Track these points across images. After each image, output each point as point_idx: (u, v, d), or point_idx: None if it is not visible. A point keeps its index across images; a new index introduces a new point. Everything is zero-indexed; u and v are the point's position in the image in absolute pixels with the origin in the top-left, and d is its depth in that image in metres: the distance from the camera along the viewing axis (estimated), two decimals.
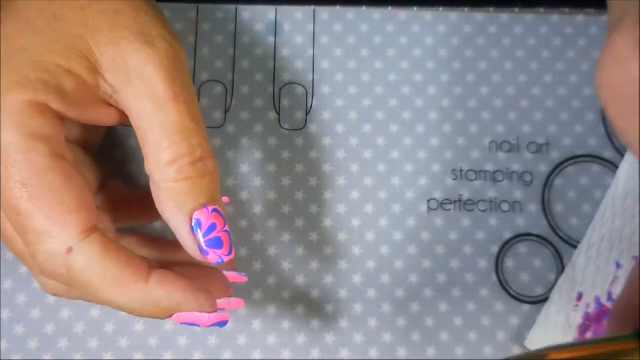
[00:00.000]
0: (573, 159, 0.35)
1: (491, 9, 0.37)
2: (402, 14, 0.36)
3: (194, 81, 0.35)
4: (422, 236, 0.33)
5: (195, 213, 0.24)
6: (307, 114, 0.35)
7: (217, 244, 0.25)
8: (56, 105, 0.23)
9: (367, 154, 0.34)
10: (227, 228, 0.25)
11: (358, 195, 0.34)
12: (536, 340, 0.32)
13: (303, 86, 0.35)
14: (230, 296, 0.27)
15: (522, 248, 0.34)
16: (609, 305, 0.32)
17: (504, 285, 0.33)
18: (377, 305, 0.33)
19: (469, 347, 0.32)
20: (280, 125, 0.35)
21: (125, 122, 0.26)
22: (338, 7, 0.36)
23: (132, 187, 0.33)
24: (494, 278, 0.33)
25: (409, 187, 0.34)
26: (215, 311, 0.25)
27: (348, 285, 0.33)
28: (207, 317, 0.25)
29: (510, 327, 0.33)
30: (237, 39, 0.35)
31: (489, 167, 0.34)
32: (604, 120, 0.35)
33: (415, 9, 0.36)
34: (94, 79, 0.24)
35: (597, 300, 0.32)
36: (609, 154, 0.35)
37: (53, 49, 0.24)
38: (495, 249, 0.33)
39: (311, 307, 0.32)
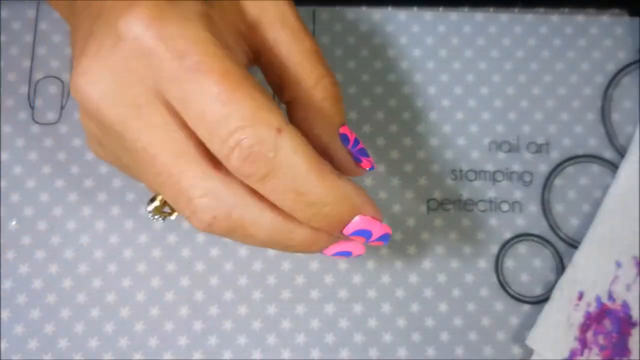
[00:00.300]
0: (573, 159, 0.35)
1: (491, 9, 0.37)
2: (402, 14, 0.36)
3: None
4: (422, 236, 0.33)
5: (341, 128, 0.26)
6: None
7: (365, 152, 0.27)
8: (220, 26, 0.24)
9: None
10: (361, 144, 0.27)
11: None
12: (537, 339, 0.32)
13: None
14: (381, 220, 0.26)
15: (522, 248, 0.34)
16: (609, 304, 0.32)
17: (503, 285, 0.33)
18: (377, 306, 0.33)
19: (469, 347, 0.32)
20: None
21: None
22: (338, 7, 0.36)
23: (131, 187, 0.33)
24: (494, 278, 0.33)
25: (409, 187, 0.34)
26: (381, 221, 0.25)
27: (348, 286, 0.33)
28: (364, 243, 0.25)
29: (510, 327, 0.33)
30: None
31: (489, 167, 0.34)
32: (604, 120, 0.35)
33: (415, 9, 0.36)
34: (248, 27, 0.26)
35: (598, 299, 0.32)
36: (609, 154, 0.35)
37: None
38: (495, 249, 0.33)
39: (311, 307, 0.32)
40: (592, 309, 0.32)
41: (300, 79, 0.26)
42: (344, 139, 0.26)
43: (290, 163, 0.22)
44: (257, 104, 0.22)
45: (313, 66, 0.26)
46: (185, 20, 0.22)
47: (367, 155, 0.27)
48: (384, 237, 0.25)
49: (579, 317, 0.32)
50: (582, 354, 0.32)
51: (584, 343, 0.32)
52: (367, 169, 0.27)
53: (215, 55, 0.22)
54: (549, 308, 0.32)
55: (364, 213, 0.24)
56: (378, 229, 0.25)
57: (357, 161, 0.26)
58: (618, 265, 0.33)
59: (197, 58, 0.22)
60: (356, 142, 0.27)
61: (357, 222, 0.24)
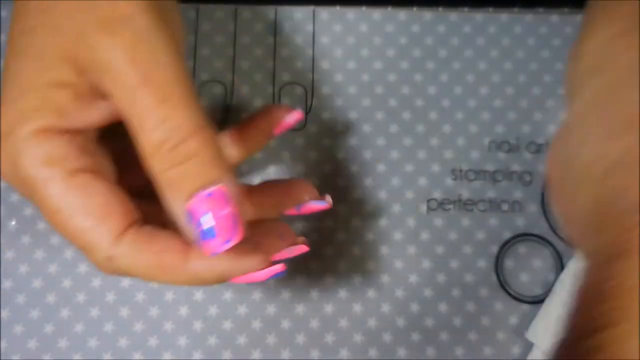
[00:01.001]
0: None
1: (491, 9, 0.37)
2: (402, 14, 0.36)
3: (194, 82, 0.35)
4: (421, 236, 0.33)
5: (190, 202, 0.22)
6: (307, 114, 0.35)
7: (209, 234, 0.23)
8: (59, 123, 0.23)
9: (367, 154, 0.34)
10: (228, 209, 0.23)
11: (358, 195, 0.34)
12: (537, 333, 0.32)
13: (303, 86, 0.35)
14: (293, 244, 0.27)
15: (521, 248, 0.34)
16: None
17: (503, 285, 0.33)
18: (377, 305, 0.33)
19: (469, 347, 0.32)
20: None
21: None
22: (338, 7, 0.36)
23: None
24: (494, 278, 0.33)
25: (409, 187, 0.34)
26: (267, 266, 0.25)
27: (347, 286, 0.33)
28: (260, 274, 0.25)
29: (509, 326, 0.33)
30: (237, 39, 0.35)
31: (489, 167, 0.34)
32: None
33: (415, 9, 0.36)
34: (84, 81, 0.23)
35: None
36: None
37: (41, 66, 0.23)
38: (494, 249, 0.33)
39: (311, 307, 0.32)
40: None
41: (140, 149, 0.23)
42: (189, 216, 0.23)
43: (133, 274, 0.24)
44: (82, 242, 0.24)
45: (146, 134, 0.22)
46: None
47: (210, 236, 0.23)
48: (275, 276, 0.25)
49: None
50: None
51: None
52: (209, 255, 0.23)
53: None
54: (549, 302, 0.32)
55: (230, 277, 0.25)
56: (260, 276, 0.25)
57: (200, 245, 0.23)
58: None
59: None
60: (205, 217, 0.22)
61: (230, 280, 0.25)
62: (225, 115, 0.34)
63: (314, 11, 0.36)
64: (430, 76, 0.36)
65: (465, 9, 0.37)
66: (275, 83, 0.35)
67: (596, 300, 0.19)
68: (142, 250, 0.24)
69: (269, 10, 0.36)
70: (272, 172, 0.34)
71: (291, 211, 0.28)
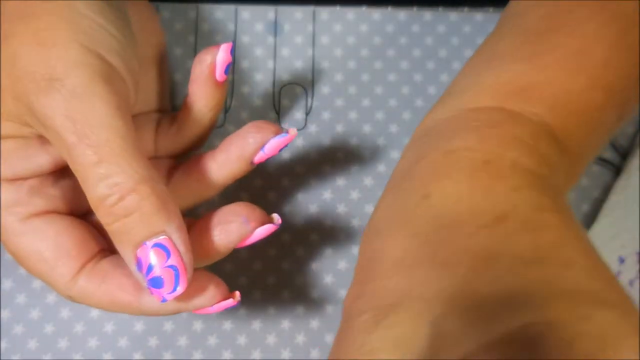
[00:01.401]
0: None
1: (491, 9, 0.37)
2: (402, 14, 0.36)
3: None
4: None
5: (137, 251, 0.23)
6: (307, 114, 0.35)
7: (156, 283, 0.24)
8: (4, 173, 0.25)
9: (367, 153, 0.34)
10: (173, 262, 0.23)
11: (358, 195, 0.34)
12: None
13: (303, 86, 0.35)
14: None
15: None
16: None
17: None
18: None
19: None
20: (280, 125, 0.35)
21: None
22: (338, 7, 0.36)
23: None
24: None
25: None
26: (218, 301, 0.26)
27: (347, 285, 0.33)
28: (212, 309, 0.26)
29: None
30: (237, 39, 0.35)
31: None
32: None
33: (415, 9, 0.36)
34: (29, 132, 0.24)
35: None
36: (608, 154, 0.35)
37: None
38: None
39: (311, 307, 0.32)
40: None
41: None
42: (138, 264, 0.23)
43: (92, 305, 0.26)
44: (44, 280, 0.26)
45: (87, 192, 0.23)
46: None
47: (159, 286, 0.23)
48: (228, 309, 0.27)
49: None
50: None
51: None
52: (159, 302, 0.24)
53: None
54: None
55: (181, 311, 0.26)
56: (211, 311, 0.26)
57: (149, 292, 0.24)
58: (621, 261, 0.32)
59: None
60: (150, 267, 0.23)
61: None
62: (225, 115, 0.35)
63: (314, 11, 0.36)
64: (430, 76, 0.36)
65: (465, 9, 0.37)
66: (275, 83, 0.35)
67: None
68: (96, 290, 0.25)
69: (269, 10, 0.36)
70: (272, 172, 0.34)
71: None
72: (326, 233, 0.33)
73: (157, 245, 0.23)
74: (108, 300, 0.25)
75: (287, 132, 0.27)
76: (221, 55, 0.27)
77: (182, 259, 0.24)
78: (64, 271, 0.25)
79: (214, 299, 0.25)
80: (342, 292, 0.33)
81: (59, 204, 0.26)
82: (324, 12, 0.36)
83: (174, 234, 0.24)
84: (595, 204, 0.34)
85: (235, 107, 0.35)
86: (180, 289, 0.24)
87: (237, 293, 0.26)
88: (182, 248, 0.24)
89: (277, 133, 0.27)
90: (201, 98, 0.28)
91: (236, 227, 0.26)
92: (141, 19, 0.30)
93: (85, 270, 0.26)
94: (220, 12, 0.36)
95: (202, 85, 0.28)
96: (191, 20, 0.35)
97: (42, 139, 0.25)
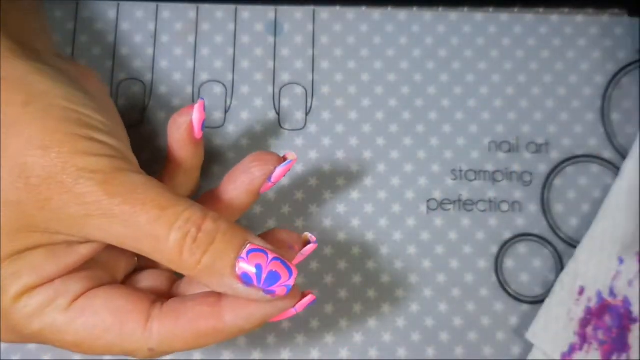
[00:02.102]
0: (572, 159, 0.35)
1: (491, 9, 0.37)
2: (402, 14, 0.36)
3: (193, 82, 0.35)
4: (421, 236, 0.33)
5: (236, 269, 0.24)
6: (307, 114, 0.35)
7: (272, 278, 0.24)
8: (38, 279, 0.24)
9: (367, 154, 0.34)
10: (271, 256, 0.24)
11: (358, 195, 0.34)
12: (537, 333, 0.32)
13: (303, 86, 0.35)
14: (303, 246, 0.28)
15: (521, 248, 0.34)
16: (610, 299, 0.32)
17: (503, 285, 0.33)
18: (377, 305, 0.33)
19: (469, 347, 0.32)
20: (280, 125, 0.35)
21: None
22: (338, 7, 0.36)
23: None
24: (494, 278, 0.33)
25: (409, 187, 0.34)
26: (298, 301, 0.26)
27: (347, 285, 0.33)
28: (294, 310, 0.26)
29: (509, 327, 0.33)
30: (237, 39, 0.35)
31: (489, 167, 0.34)
32: (604, 120, 0.35)
33: (415, 9, 0.36)
34: (52, 239, 0.24)
35: (599, 294, 0.32)
36: (608, 154, 0.35)
37: (6, 240, 0.24)
38: (494, 249, 0.33)
39: (311, 307, 0.32)
40: (593, 304, 0.32)
41: (164, 262, 0.24)
42: (246, 278, 0.24)
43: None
44: None
45: (164, 244, 0.24)
46: None
47: (276, 279, 0.24)
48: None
49: (579, 311, 0.32)
50: (581, 349, 0.32)
51: (583, 338, 0.32)
52: (284, 294, 0.24)
53: None
54: (549, 302, 0.32)
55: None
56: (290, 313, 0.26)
57: (271, 294, 0.24)
58: (620, 261, 0.33)
59: None
60: (259, 270, 0.24)
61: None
62: (225, 115, 0.35)
63: (314, 11, 0.36)
64: (430, 76, 0.36)
65: (465, 9, 0.37)
66: (275, 83, 0.35)
67: None
68: (175, 329, 0.25)
69: (269, 10, 0.36)
70: None
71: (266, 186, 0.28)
72: (326, 233, 0.33)
73: (250, 251, 0.24)
74: (192, 334, 0.25)
75: (286, 158, 0.28)
76: (196, 115, 0.27)
77: (276, 252, 0.24)
78: (133, 326, 0.25)
79: (296, 297, 0.26)
80: (342, 292, 0.33)
81: (94, 279, 0.26)
82: (324, 12, 0.36)
83: (255, 240, 0.25)
84: (595, 204, 0.34)
85: (235, 107, 0.35)
86: (294, 272, 0.24)
87: (309, 291, 0.27)
88: (268, 246, 0.25)
89: (280, 162, 0.28)
90: (185, 160, 0.28)
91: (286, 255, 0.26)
92: None
93: (154, 317, 0.25)
94: (220, 12, 0.36)
95: (183, 149, 0.28)
96: (191, 20, 0.35)
97: (70, 244, 0.25)
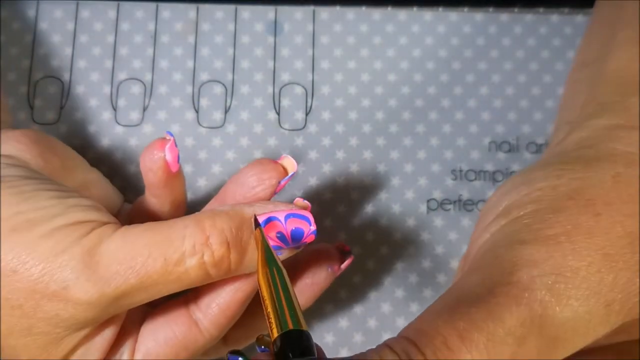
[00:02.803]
0: None
1: (491, 9, 0.37)
2: (402, 14, 0.36)
3: (193, 82, 0.35)
4: (421, 236, 0.33)
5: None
6: (307, 114, 0.35)
7: (298, 234, 0.24)
8: None
9: (367, 154, 0.34)
10: (282, 216, 0.24)
11: (357, 195, 0.34)
12: None
13: (303, 86, 0.35)
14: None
15: None
16: None
17: None
18: (377, 305, 0.33)
19: None
20: (280, 125, 0.35)
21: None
22: (338, 7, 0.36)
23: (130, 188, 0.33)
24: None
25: (409, 187, 0.34)
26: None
27: (347, 285, 0.33)
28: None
29: None
30: (237, 39, 0.35)
31: (489, 167, 0.34)
32: None
33: (415, 9, 0.36)
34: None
35: None
36: None
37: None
38: None
39: (311, 307, 0.32)
40: None
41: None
42: (276, 248, 0.24)
43: None
44: None
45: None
46: None
47: (300, 235, 0.25)
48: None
49: None
50: None
51: None
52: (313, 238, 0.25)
53: None
54: None
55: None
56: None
57: (301, 245, 0.25)
58: None
59: None
60: (282, 239, 0.24)
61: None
62: (225, 115, 0.35)
63: (314, 11, 0.36)
64: (430, 76, 0.36)
65: (465, 9, 0.37)
66: (275, 83, 0.35)
67: (437, 329, 0.21)
68: (221, 313, 0.26)
69: (269, 10, 0.36)
70: None
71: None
72: (327, 233, 0.33)
73: (263, 224, 0.24)
74: (238, 305, 0.26)
75: (286, 169, 0.27)
76: (169, 156, 0.26)
77: (282, 208, 0.25)
78: (193, 343, 0.26)
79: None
80: (342, 292, 0.33)
81: (134, 320, 0.27)
82: (324, 12, 0.36)
83: (255, 208, 0.24)
84: None
85: (235, 107, 0.35)
86: (310, 218, 0.25)
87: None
88: (270, 207, 0.25)
89: (282, 174, 0.26)
90: (167, 196, 0.28)
91: (325, 275, 0.28)
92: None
93: (199, 318, 0.26)
94: (220, 12, 0.36)
95: (163, 189, 0.27)
96: (191, 20, 0.35)
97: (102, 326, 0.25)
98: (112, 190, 0.30)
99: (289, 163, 0.26)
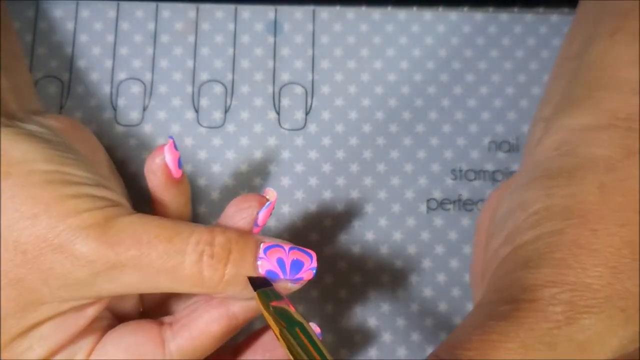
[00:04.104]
0: None
1: (491, 9, 0.37)
2: (402, 13, 0.36)
3: (193, 82, 0.35)
4: (421, 236, 0.34)
5: (260, 270, 0.24)
6: (307, 114, 0.35)
7: (298, 265, 0.25)
8: (48, 351, 0.24)
9: (367, 153, 0.34)
10: (287, 247, 0.25)
11: (357, 195, 0.34)
12: None
13: (303, 86, 0.35)
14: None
15: None
16: None
17: None
18: (377, 305, 0.33)
19: None
20: (280, 125, 0.35)
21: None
22: (338, 7, 0.36)
23: (130, 188, 0.33)
24: None
25: (409, 187, 0.34)
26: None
27: (347, 285, 0.33)
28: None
29: None
30: (237, 39, 0.35)
31: (489, 167, 0.34)
32: None
33: (414, 8, 0.36)
34: (60, 308, 0.24)
35: None
36: None
37: (13, 317, 0.24)
38: None
39: (311, 307, 0.32)
40: None
41: (187, 289, 0.25)
42: (272, 275, 0.25)
43: None
44: None
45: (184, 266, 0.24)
46: None
47: (300, 267, 0.25)
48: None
49: None
50: None
51: None
52: (312, 277, 0.25)
53: None
54: None
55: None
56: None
57: (299, 281, 0.25)
58: None
59: None
60: (281, 265, 0.25)
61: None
62: (225, 115, 0.35)
63: (314, 11, 0.36)
64: (430, 76, 0.36)
65: (465, 9, 0.37)
66: (275, 83, 0.35)
67: (469, 344, 0.22)
68: (192, 341, 0.26)
69: (269, 10, 0.36)
70: (272, 172, 0.34)
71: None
72: (326, 233, 0.33)
73: (266, 249, 0.25)
74: (209, 340, 0.25)
75: (267, 199, 0.27)
76: (168, 157, 0.27)
77: (290, 243, 0.25)
78: (152, 356, 0.25)
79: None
80: (342, 292, 0.33)
81: (101, 327, 0.26)
82: (324, 12, 0.36)
83: (266, 238, 0.25)
84: None
85: (235, 107, 0.35)
86: (314, 255, 0.25)
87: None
88: (280, 240, 0.25)
89: (262, 204, 0.27)
90: (171, 201, 0.28)
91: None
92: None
93: (168, 339, 0.25)
94: (220, 12, 0.36)
95: (166, 192, 0.28)
96: (191, 20, 0.35)
97: (77, 310, 0.25)
98: (127, 195, 0.31)
99: (271, 194, 0.27)
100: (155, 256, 0.23)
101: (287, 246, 0.25)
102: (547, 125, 0.28)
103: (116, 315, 0.27)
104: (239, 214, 0.26)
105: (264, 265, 0.24)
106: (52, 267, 0.23)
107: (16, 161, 0.23)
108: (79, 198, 0.23)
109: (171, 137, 0.27)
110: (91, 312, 0.25)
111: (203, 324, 0.25)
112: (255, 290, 0.24)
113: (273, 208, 0.27)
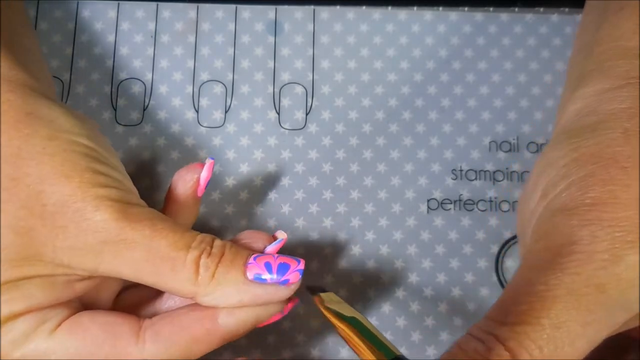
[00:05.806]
0: None
1: (491, 9, 0.37)
2: (402, 13, 0.36)
3: (193, 82, 0.35)
4: (421, 236, 0.33)
5: (248, 274, 0.26)
6: (307, 114, 0.35)
7: (284, 267, 0.26)
8: (24, 308, 0.24)
9: (367, 153, 0.34)
10: (276, 255, 0.27)
11: (358, 195, 0.34)
12: None
13: (303, 86, 0.35)
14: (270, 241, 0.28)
15: None
16: None
17: (504, 285, 0.33)
18: (377, 305, 0.33)
19: None
20: (280, 125, 0.35)
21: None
22: (338, 7, 0.36)
23: None
24: (494, 278, 0.33)
25: (409, 187, 0.34)
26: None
27: (347, 285, 0.33)
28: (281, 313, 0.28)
29: None
30: (237, 39, 0.35)
31: (489, 166, 0.34)
32: None
33: (415, 8, 0.36)
34: (54, 271, 0.24)
35: None
36: None
37: (9, 263, 0.24)
38: (495, 249, 0.33)
39: (311, 307, 0.32)
40: None
41: (177, 288, 0.25)
42: (258, 279, 0.26)
43: None
44: None
45: (178, 269, 0.25)
46: None
47: (286, 269, 0.26)
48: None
49: None
50: None
51: None
52: (298, 279, 0.26)
53: None
54: None
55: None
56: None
57: (285, 284, 0.26)
58: None
59: None
60: (268, 269, 0.26)
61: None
62: (225, 115, 0.35)
63: (314, 11, 0.36)
64: (430, 76, 0.36)
65: (465, 9, 0.37)
66: (275, 83, 0.35)
67: (518, 299, 0.22)
68: (170, 337, 0.26)
69: (269, 10, 0.36)
70: (272, 172, 0.34)
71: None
72: (326, 233, 0.33)
73: (256, 257, 0.26)
74: (186, 340, 0.25)
75: (276, 237, 0.28)
76: (205, 173, 0.29)
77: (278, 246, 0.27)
78: (126, 337, 0.25)
79: (284, 302, 0.27)
80: (343, 292, 0.33)
81: (82, 304, 0.27)
82: (324, 12, 0.36)
83: (257, 252, 0.27)
84: None
85: (235, 107, 0.35)
86: (301, 260, 0.27)
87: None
88: (270, 253, 0.27)
89: (269, 241, 0.28)
90: (182, 216, 0.29)
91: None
92: None
93: (145, 327, 0.26)
94: (220, 12, 0.36)
95: (183, 205, 0.29)
96: (191, 20, 0.35)
97: (70, 281, 0.25)
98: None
99: (279, 233, 0.28)
100: (164, 243, 0.24)
101: (275, 254, 0.27)
102: (564, 102, 0.28)
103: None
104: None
105: (252, 268, 0.26)
106: (66, 225, 0.23)
107: (63, 129, 0.25)
108: (109, 177, 0.25)
109: (212, 158, 0.29)
110: (79, 287, 0.25)
111: (185, 321, 0.26)
112: (312, 294, 0.27)
113: (281, 246, 0.28)
